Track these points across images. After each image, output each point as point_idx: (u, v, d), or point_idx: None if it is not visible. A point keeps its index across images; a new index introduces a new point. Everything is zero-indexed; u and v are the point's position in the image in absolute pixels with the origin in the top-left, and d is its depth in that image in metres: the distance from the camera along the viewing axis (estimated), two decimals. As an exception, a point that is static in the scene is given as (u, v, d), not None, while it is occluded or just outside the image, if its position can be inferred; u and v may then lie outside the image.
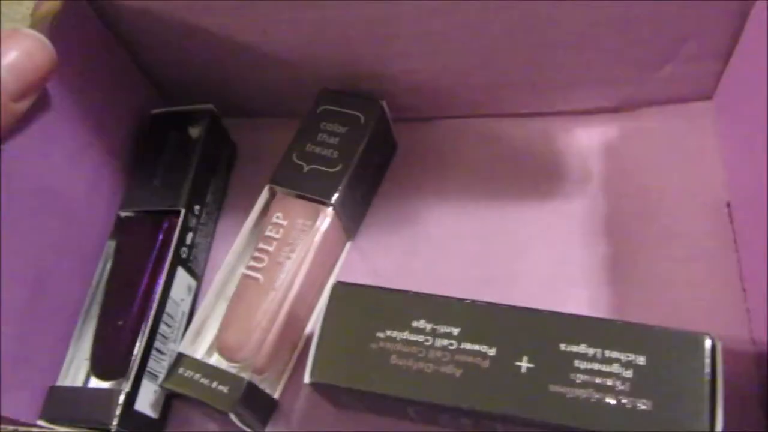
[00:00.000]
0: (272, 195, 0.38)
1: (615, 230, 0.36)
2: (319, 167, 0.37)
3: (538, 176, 0.39)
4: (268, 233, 0.36)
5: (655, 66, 0.37)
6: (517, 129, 0.40)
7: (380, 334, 0.29)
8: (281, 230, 0.36)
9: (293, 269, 0.35)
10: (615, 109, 0.39)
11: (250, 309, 0.35)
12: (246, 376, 0.33)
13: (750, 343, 0.32)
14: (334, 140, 0.37)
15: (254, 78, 0.41)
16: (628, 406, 0.26)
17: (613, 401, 0.26)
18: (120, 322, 0.35)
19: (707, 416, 0.25)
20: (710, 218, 0.36)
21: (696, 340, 0.26)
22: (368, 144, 0.37)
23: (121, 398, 0.33)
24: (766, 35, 0.31)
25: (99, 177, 0.38)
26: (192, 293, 0.38)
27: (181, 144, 0.40)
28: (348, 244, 0.39)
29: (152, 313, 0.35)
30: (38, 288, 0.33)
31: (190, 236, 0.38)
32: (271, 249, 0.35)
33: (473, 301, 0.29)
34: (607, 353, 0.27)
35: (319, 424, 0.35)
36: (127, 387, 0.33)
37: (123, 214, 0.38)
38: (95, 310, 0.37)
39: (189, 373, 0.34)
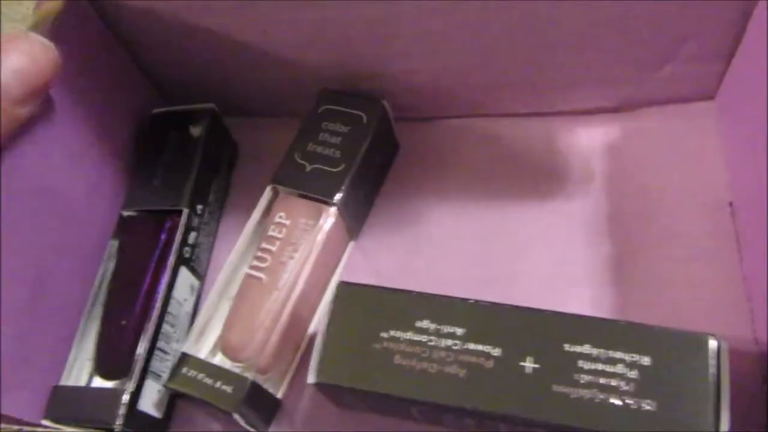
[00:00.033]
0: (275, 194, 0.38)
1: (616, 230, 0.37)
2: (321, 167, 0.37)
3: (538, 176, 0.39)
4: (270, 233, 0.36)
5: (656, 66, 0.37)
6: (518, 129, 0.40)
7: (384, 334, 0.29)
8: (284, 230, 0.36)
9: (296, 269, 0.35)
10: (616, 109, 0.40)
11: (254, 309, 0.35)
12: (250, 375, 0.33)
13: (753, 342, 0.32)
14: (336, 140, 0.37)
15: (254, 78, 0.41)
16: (633, 406, 0.26)
17: (617, 402, 0.26)
18: (123, 322, 0.35)
19: (712, 417, 0.25)
20: (712, 218, 0.36)
21: (700, 340, 0.26)
22: (371, 143, 0.37)
23: (125, 398, 0.33)
24: (768, 36, 0.31)
25: (100, 177, 0.38)
26: (195, 293, 0.38)
27: (182, 143, 0.40)
28: (351, 244, 0.39)
29: (155, 312, 0.35)
30: (39, 288, 0.33)
31: (192, 236, 0.38)
32: (274, 249, 0.35)
33: (477, 302, 0.29)
34: (611, 354, 0.27)
35: (323, 423, 0.35)
36: (130, 387, 0.33)
37: (125, 213, 0.38)
38: (98, 310, 0.37)
39: (193, 373, 0.34)
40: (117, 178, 0.39)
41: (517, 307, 0.29)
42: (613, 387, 0.26)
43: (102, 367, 0.35)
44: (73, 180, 0.36)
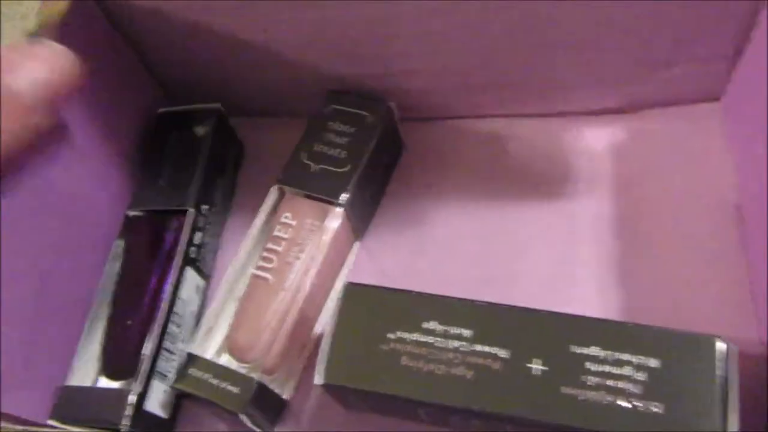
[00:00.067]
0: (281, 195, 0.38)
1: (619, 231, 0.37)
2: (327, 167, 0.37)
3: (541, 176, 0.39)
4: (276, 233, 0.36)
5: (661, 67, 0.37)
6: (519, 129, 0.40)
7: (391, 336, 0.29)
8: (290, 230, 0.36)
9: (302, 269, 0.35)
10: (619, 110, 0.40)
11: (260, 309, 0.35)
12: (256, 376, 0.33)
13: (759, 344, 0.32)
14: (342, 140, 0.37)
15: (256, 78, 0.41)
16: (641, 408, 0.26)
17: (625, 404, 0.26)
18: (129, 322, 0.35)
19: (720, 419, 0.25)
20: (717, 220, 0.36)
21: (708, 342, 0.26)
22: (377, 144, 0.37)
23: (131, 398, 0.33)
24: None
25: (106, 176, 0.38)
26: (201, 293, 0.38)
27: (188, 143, 0.40)
28: (356, 244, 0.39)
29: (161, 312, 0.35)
30: (43, 287, 0.33)
31: (198, 236, 0.38)
32: (280, 249, 0.35)
33: (484, 303, 0.29)
34: (619, 356, 0.27)
35: (329, 424, 0.35)
36: (137, 387, 0.33)
37: (131, 213, 0.38)
38: (104, 310, 0.37)
39: (199, 374, 0.34)
40: (123, 177, 0.39)
41: (524, 309, 0.29)
42: (620, 389, 0.26)
43: (108, 368, 0.35)
44: (79, 179, 0.36)
